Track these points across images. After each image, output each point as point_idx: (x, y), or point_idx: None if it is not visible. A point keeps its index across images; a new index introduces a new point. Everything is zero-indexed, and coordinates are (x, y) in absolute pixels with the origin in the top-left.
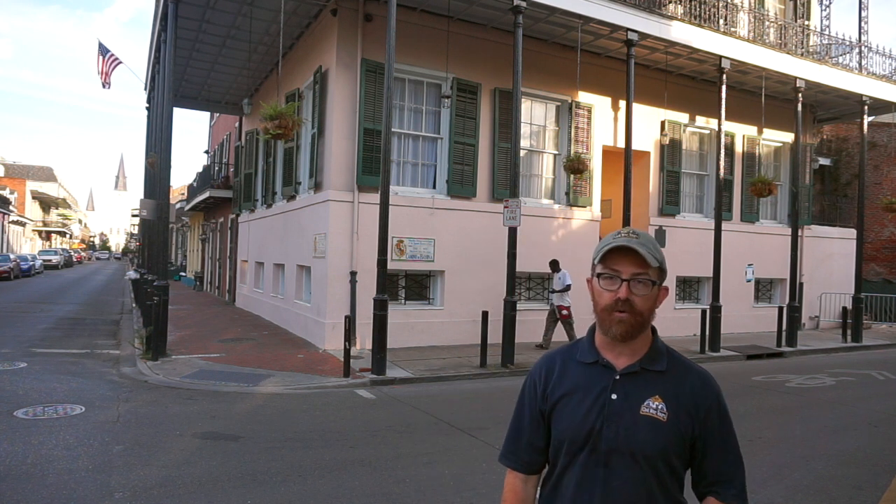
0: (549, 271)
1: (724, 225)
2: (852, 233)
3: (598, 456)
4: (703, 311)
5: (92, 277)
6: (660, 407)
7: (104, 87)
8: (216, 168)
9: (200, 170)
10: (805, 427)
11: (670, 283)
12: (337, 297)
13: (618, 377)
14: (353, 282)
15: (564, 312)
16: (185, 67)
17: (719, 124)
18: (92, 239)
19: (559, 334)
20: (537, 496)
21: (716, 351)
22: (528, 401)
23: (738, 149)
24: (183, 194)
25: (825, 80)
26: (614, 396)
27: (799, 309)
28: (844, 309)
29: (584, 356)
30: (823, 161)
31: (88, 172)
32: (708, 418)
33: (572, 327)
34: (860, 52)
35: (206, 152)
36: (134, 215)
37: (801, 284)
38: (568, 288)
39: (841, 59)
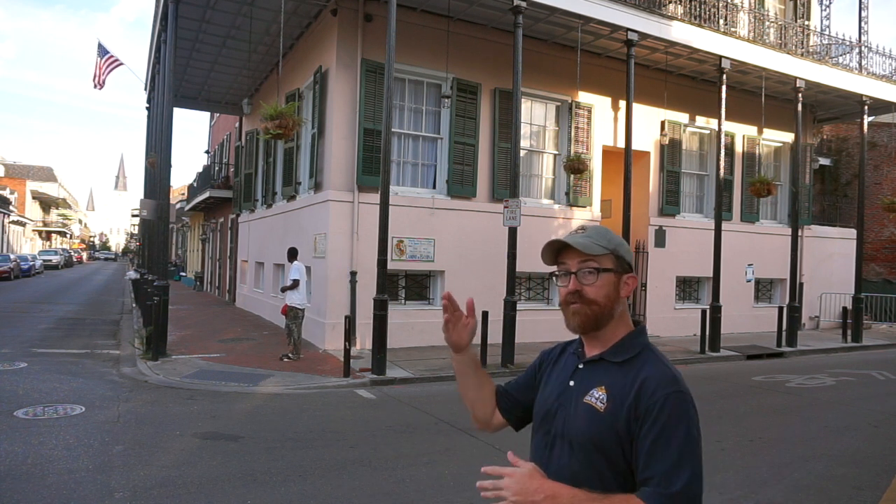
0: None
1: (724, 225)
2: (852, 233)
3: (548, 439)
4: (703, 311)
5: (92, 277)
6: (601, 397)
7: (95, 87)
8: (216, 168)
9: (200, 170)
10: (805, 427)
11: (670, 282)
12: (337, 297)
13: (580, 366)
14: (353, 282)
15: (282, 310)
16: (185, 67)
17: (719, 124)
18: (92, 239)
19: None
20: None
21: (716, 351)
22: (531, 365)
23: (738, 149)
24: (183, 194)
25: (825, 80)
26: (572, 383)
27: (799, 309)
28: (844, 309)
29: (573, 346)
30: (823, 161)
31: (88, 172)
32: (647, 417)
33: (292, 331)
34: (860, 53)
35: (207, 152)
36: (134, 215)
37: (801, 284)
38: (295, 284)
39: (841, 59)
